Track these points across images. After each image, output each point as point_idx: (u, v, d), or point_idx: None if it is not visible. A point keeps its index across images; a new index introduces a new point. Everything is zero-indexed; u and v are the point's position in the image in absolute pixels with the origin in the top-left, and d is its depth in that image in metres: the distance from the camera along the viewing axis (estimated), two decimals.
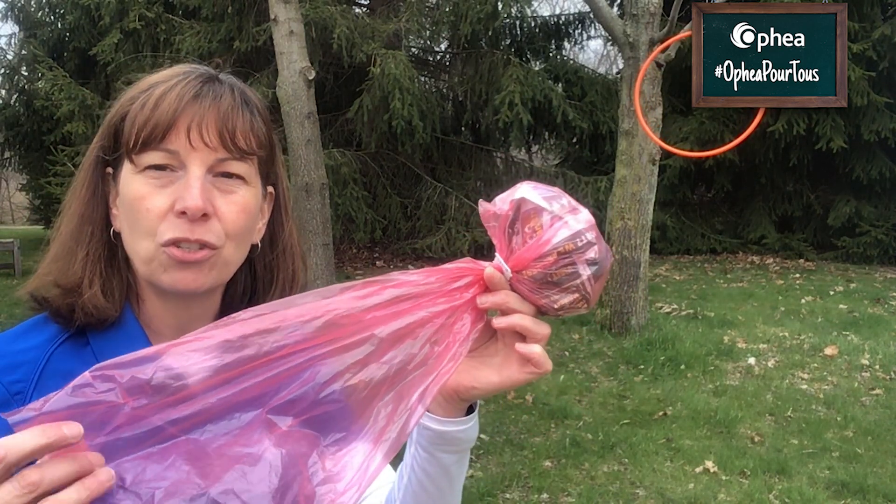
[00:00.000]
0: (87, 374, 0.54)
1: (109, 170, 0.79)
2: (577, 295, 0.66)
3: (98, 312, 0.75)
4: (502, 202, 0.67)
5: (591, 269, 0.65)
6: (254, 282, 0.85)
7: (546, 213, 0.65)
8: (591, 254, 0.65)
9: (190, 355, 0.57)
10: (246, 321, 0.59)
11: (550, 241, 0.64)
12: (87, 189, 0.79)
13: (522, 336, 0.67)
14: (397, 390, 0.63)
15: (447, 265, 0.67)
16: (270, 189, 0.83)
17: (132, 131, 0.74)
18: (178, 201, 0.72)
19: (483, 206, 0.68)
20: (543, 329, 0.67)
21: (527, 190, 0.67)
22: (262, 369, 0.58)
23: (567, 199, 0.67)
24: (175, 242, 0.73)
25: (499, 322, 0.67)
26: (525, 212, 0.65)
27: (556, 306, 0.66)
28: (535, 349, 0.66)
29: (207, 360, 0.57)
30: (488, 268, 0.66)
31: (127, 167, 0.75)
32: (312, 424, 0.60)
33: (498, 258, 0.67)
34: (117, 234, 0.78)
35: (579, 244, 0.64)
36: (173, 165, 0.74)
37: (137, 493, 0.54)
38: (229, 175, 0.76)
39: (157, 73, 0.80)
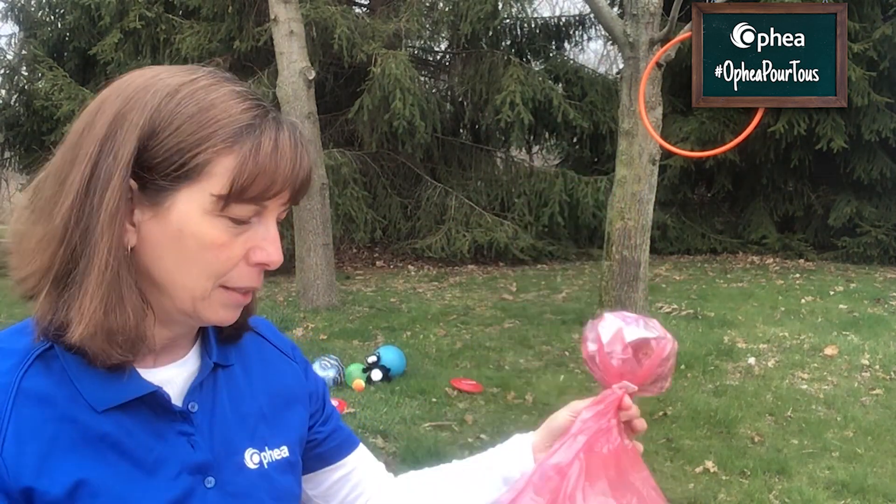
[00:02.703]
0: None
1: (133, 183, 0.69)
2: (671, 375, 0.91)
3: (148, 350, 0.73)
4: (602, 341, 0.90)
5: (673, 357, 0.91)
6: None
7: (651, 340, 0.89)
8: (671, 346, 0.91)
9: None
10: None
11: (661, 356, 0.88)
12: (124, 209, 0.68)
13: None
14: None
15: (598, 403, 0.90)
16: None
17: (238, 182, 0.68)
18: (258, 253, 0.72)
19: (589, 350, 0.92)
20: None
21: (620, 324, 0.90)
22: None
23: (644, 320, 0.92)
24: (245, 290, 0.74)
25: (638, 424, 0.92)
26: (634, 343, 0.89)
27: (663, 390, 0.92)
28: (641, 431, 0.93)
29: None
30: (625, 397, 0.89)
31: (196, 202, 0.68)
32: None
33: (624, 383, 0.89)
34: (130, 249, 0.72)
35: (670, 348, 0.90)
36: (253, 218, 0.72)
37: None
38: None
39: (198, 79, 0.71)
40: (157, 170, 0.68)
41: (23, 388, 0.68)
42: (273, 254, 0.72)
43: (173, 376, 0.77)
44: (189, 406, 0.76)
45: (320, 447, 0.93)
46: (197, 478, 0.74)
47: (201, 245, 0.69)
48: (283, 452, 0.84)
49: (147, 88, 0.69)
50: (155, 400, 0.73)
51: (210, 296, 0.72)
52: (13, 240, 0.72)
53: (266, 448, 0.82)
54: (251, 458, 0.80)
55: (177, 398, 0.76)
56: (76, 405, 0.69)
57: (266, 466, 0.81)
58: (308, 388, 0.92)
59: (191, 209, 0.69)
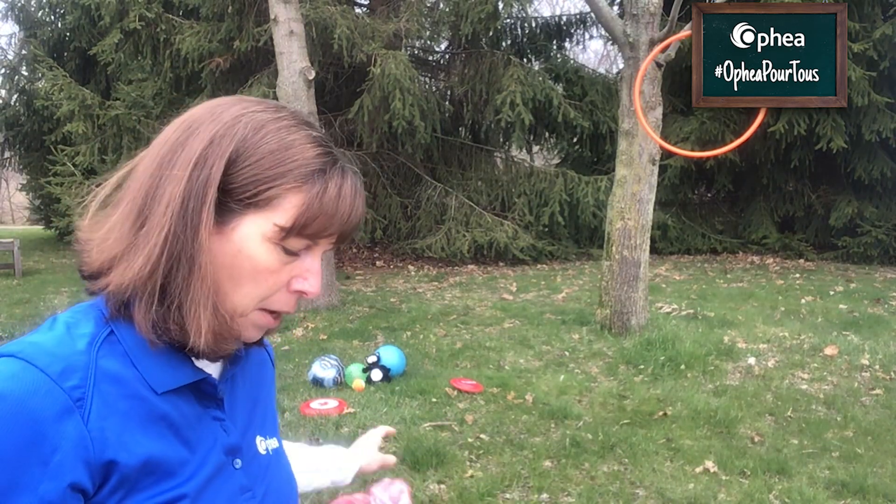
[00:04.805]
0: None
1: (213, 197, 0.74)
2: None
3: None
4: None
5: None
6: None
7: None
8: None
9: None
10: None
11: None
12: (215, 222, 0.73)
13: None
14: None
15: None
16: None
17: (301, 218, 0.75)
18: (299, 282, 0.79)
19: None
20: None
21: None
22: None
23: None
24: (278, 315, 0.81)
25: None
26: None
27: None
28: None
29: None
30: None
31: (258, 227, 0.74)
32: None
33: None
34: None
35: None
36: (303, 250, 0.78)
37: None
38: None
39: (282, 118, 0.78)
40: (232, 194, 0.74)
41: (99, 366, 0.72)
42: (314, 285, 0.79)
43: (206, 366, 0.83)
44: (220, 393, 0.83)
45: None
46: (229, 458, 0.81)
47: (255, 267, 0.75)
48: (274, 443, 0.92)
49: (239, 118, 0.76)
50: (200, 387, 0.80)
51: (249, 316, 0.78)
52: (88, 231, 0.78)
53: (267, 437, 0.91)
54: (260, 445, 0.88)
55: None
56: (141, 385, 0.75)
57: (271, 453, 0.90)
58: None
59: (253, 233, 0.75)
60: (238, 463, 0.82)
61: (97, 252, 0.76)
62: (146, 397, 0.74)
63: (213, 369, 0.83)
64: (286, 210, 0.74)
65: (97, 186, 0.79)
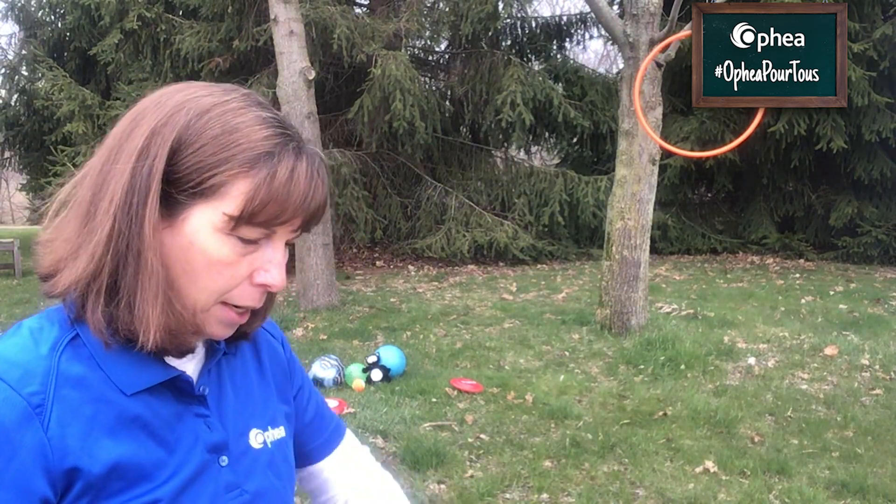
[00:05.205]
0: None
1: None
2: None
3: None
4: None
5: None
6: None
7: None
8: None
9: None
10: None
11: None
12: (159, 216, 0.71)
13: None
14: None
15: None
16: None
17: (250, 205, 0.70)
18: (262, 275, 0.74)
19: None
20: None
21: None
22: None
23: None
24: (244, 310, 0.76)
25: None
26: None
27: None
28: None
29: None
30: None
31: (208, 218, 0.71)
32: None
33: None
34: None
35: None
36: (262, 240, 0.74)
37: None
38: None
39: (229, 101, 0.73)
40: (177, 184, 0.71)
41: (61, 370, 0.71)
42: (275, 277, 0.74)
43: (185, 361, 0.80)
44: (202, 389, 0.80)
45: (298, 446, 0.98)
46: (213, 456, 0.79)
47: (208, 260, 0.72)
48: (280, 432, 0.89)
49: (182, 105, 0.73)
50: (177, 384, 0.77)
51: (211, 310, 0.75)
52: (45, 233, 0.76)
53: (269, 427, 0.87)
54: (255, 439, 0.85)
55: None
56: (108, 388, 0.72)
57: (269, 446, 0.86)
58: (291, 383, 0.97)
59: (203, 225, 0.71)
60: (224, 460, 0.79)
61: (49, 253, 0.74)
62: (114, 400, 0.72)
63: (191, 365, 0.81)
64: (234, 198, 0.70)
65: (59, 187, 0.77)
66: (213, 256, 0.72)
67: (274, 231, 0.73)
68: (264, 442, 0.85)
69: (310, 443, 0.99)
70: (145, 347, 0.71)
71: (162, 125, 0.71)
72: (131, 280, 0.70)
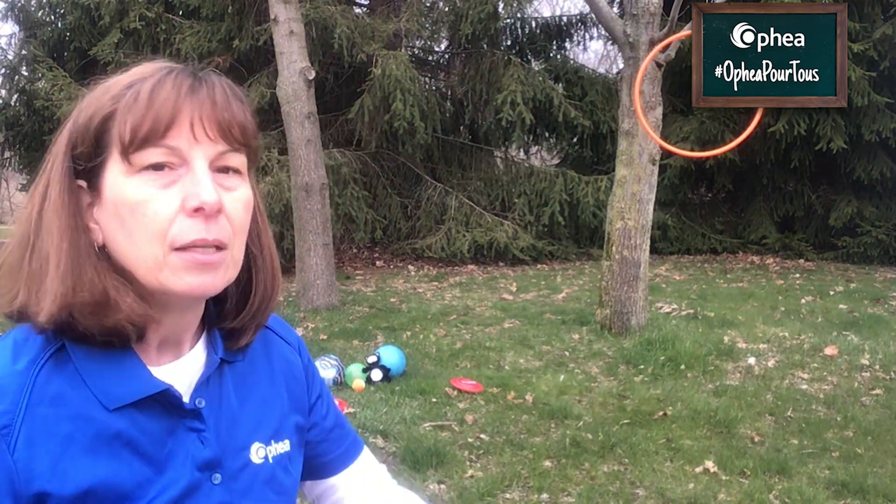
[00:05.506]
0: None
1: (83, 182, 0.73)
2: None
3: (141, 320, 0.72)
4: None
5: None
6: (240, 283, 0.81)
7: None
8: None
9: None
10: None
11: None
12: (69, 200, 0.72)
13: None
14: None
15: None
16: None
17: (125, 129, 0.69)
18: (190, 198, 0.69)
19: None
20: None
21: None
22: None
23: None
24: (192, 246, 0.70)
25: None
26: None
27: None
28: None
29: None
30: None
31: (116, 170, 0.70)
32: None
33: None
34: (101, 248, 0.73)
35: None
36: (173, 163, 0.70)
37: None
38: (227, 170, 0.73)
39: (131, 69, 0.75)
40: (81, 158, 0.72)
41: (37, 387, 0.68)
42: (202, 194, 0.69)
43: (180, 372, 0.77)
44: (197, 402, 0.77)
45: (313, 459, 0.94)
46: (205, 474, 0.75)
47: (130, 207, 0.69)
48: (285, 446, 0.85)
49: (89, 97, 0.74)
50: (166, 397, 0.73)
51: (166, 262, 0.70)
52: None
53: (272, 441, 0.83)
54: (257, 453, 0.81)
55: (185, 394, 0.77)
56: (89, 404, 0.69)
57: (271, 461, 0.82)
58: (308, 392, 0.93)
59: (112, 179, 0.71)
60: (217, 478, 0.76)
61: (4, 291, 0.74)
62: (94, 417, 0.69)
63: (186, 377, 0.77)
64: (116, 135, 0.69)
65: (20, 191, 0.80)
66: (131, 200, 0.69)
67: (171, 147, 0.70)
68: (266, 457, 0.82)
69: (326, 454, 0.95)
70: (39, 323, 0.69)
71: (73, 123, 0.74)
72: (43, 265, 0.71)
